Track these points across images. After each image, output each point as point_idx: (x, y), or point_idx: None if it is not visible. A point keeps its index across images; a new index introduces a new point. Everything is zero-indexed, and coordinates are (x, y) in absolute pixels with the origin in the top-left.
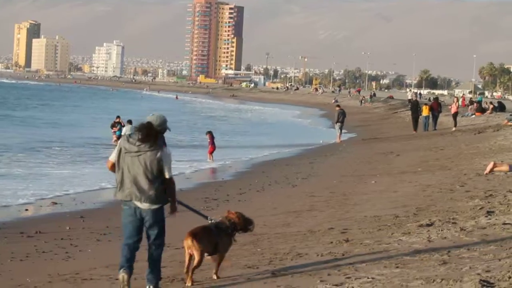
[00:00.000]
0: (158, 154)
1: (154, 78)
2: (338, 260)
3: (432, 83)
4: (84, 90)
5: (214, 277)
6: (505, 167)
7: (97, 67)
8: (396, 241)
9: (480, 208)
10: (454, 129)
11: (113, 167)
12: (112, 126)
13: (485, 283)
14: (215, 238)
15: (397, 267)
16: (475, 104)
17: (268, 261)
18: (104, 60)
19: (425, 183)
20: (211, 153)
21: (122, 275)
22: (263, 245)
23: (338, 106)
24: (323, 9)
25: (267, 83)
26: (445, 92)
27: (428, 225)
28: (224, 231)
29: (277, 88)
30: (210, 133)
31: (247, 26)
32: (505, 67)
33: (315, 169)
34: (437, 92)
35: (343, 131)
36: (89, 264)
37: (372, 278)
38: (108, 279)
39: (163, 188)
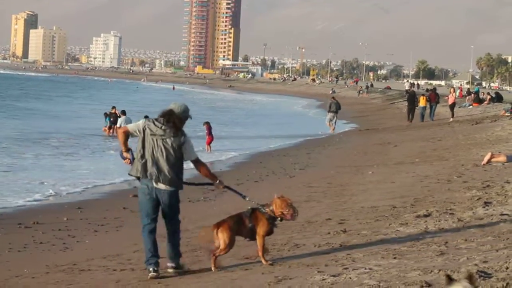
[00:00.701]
0: (182, 140)
1: (152, 69)
2: (335, 250)
3: (430, 74)
4: (84, 81)
5: (263, 261)
6: (502, 158)
7: (95, 58)
8: (394, 231)
9: (478, 199)
10: (451, 119)
11: (125, 134)
12: (107, 116)
13: (482, 274)
14: (248, 223)
15: (395, 257)
16: (472, 95)
17: (266, 252)
18: (102, 51)
19: (423, 173)
20: (209, 143)
21: (151, 274)
22: None
23: (333, 97)
24: (320, 0)
25: (264, 74)
26: (443, 82)
27: (425, 215)
28: (262, 215)
29: (275, 79)
30: (207, 123)
31: (244, 16)
32: (503, 57)
33: (313, 160)
34: (434, 82)
35: (337, 121)
36: (86, 255)
37: (370, 268)
38: (105, 270)
39: (180, 173)
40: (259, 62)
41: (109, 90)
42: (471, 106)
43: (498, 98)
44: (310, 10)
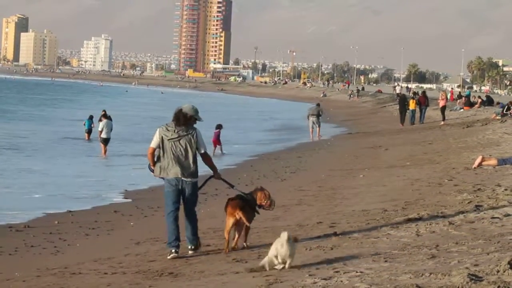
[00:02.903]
0: (194, 136)
1: (142, 72)
2: (326, 254)
3: (420, 77)
4: (77, 85)
5: (244, 245)
6: (493, 161)
7: (85, 61)
8: (385, 235)
9: (469, 202)
10: (442, 123)
11: (152, 153)
12: (100, 120)
13: (473, 277)
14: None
15: (386, 261)
16: (463, 98)
17: (257, 255)
18: (93, 54)
19: (414, 177)
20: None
21: (173, 255)
22: (252, 239)
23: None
24: (311, 3)
25: (255, 77)
26: (433, 86)
27: (416, 219)
28: (250, 203)
29: (266, 82)
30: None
31: (235, 20)
32: (493, 61)
33: (304, 163)
34: (425, 86)
35: (319, 126)
36: (77, 258)
37: (361, 272)
38: (96, 273)
39: (197, 164)
40: (250, 66)
41: (99, 93)
42: (462, 110)
43: (489, 101)
44: (301, 14)
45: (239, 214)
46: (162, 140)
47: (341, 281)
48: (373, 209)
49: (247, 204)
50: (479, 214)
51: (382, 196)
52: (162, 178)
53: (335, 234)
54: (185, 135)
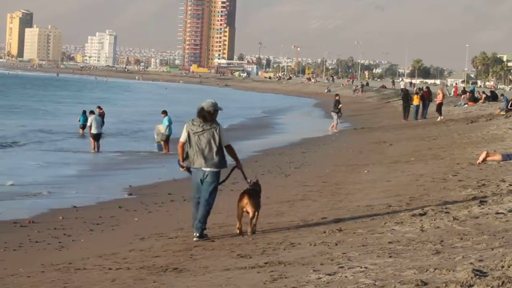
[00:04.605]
0: (217, 130)
1: (146, 67)
2: (331, 249)
3: (425, 73)
4: (83, 80)
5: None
6: (497, 157)
7: (90, 57)
8: (389, 230)
9: (473, 198)
10: (439, 119)
11: (182, 147)
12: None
13: (478, 272)
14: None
15: (390, 256)
16: (467, 94)
17: (262, 251)
18: (97, 50)
19: (418, 172)
20: None
21: (196, 238)
22: (256, 234)
23: (336, 95)
24: None
25: (259, 73)
26: (438, 81)
27: (421, 214)
28: (259, 192)
29: (270, 78)
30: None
31: (240, 15)
32: (498, 56)
33: (308, 159)
34: (429, 81)
35: (337, 119)
36: (82, 253)
37: (365, 267)
38: (101, 269)
39: (222, 156)
40: (254, 61)
41: (101, 89)
42: (466, 105)
43: (493, 97)
44: (305, 9)
45: (247, 200)
46: (189, 135)
47: (346, 276)
48: (378, 205)
49: (255, 194)
50: (484, 210)
51: (387, 191)
52: (189, 170)
53: (339, 229)
54: (209, 129)
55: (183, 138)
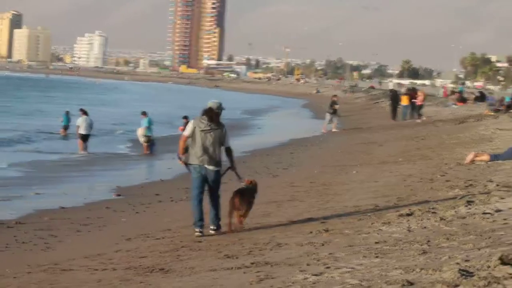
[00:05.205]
0: (223, 131)
1: (135, 68)
2: (317, 250)
3: (414, 73)
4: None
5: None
6: (485, 157)
7: (79, 58)
8: (376, 230)
9: (461, 198)
10: (419, 120)
11: (185, 141)
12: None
13: (464, 272)
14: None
15: (377, 256)
16: (456, 94)
17: (248, 251)
18: (86, 51)
19: (406, 173)
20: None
21: (197, 234)
22: (243, 235)
23: (334, 95)
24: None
25: (248, 74)
26: (427, 82)
27: (408, 214)
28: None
29: (260, 79)
30: (186, 118)
31: (230, 16)
32: (486, 57)
33: (296, 159)
34: (418, 82)
35: (331, 121)
36: (68, 254)
37: (352, 268)
38: (87, 270)
39: (221, 156)
40: (243, 62)
41: (87, 90)
42: (455, 106)
43: (482, 97)
44: (295, 10)
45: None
46: (194, 131)
47: (332, 276)
48: (365, 205)
49: (248, 193)
50: (471, 210)
51: (374, 192)
52: (186, 165)
53: (326, 230)
54: (216, 129)
55: (188, 132)
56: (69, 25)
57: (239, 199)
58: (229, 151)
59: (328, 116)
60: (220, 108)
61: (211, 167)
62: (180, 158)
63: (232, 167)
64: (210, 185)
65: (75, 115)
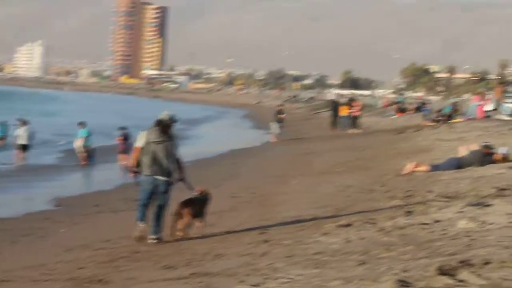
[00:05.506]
0: (175, 142)
1: (76, 78)
2: (256, 260)
3: (355, 84)
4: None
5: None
6: (425, 167)
7: (20, 68)
8: (315, 241)
9: (399, 208)
10: (354, 131)
11: (138, 152)
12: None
13: (402, 283)
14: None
15: (316, 267)
16: (396, 105)
17: (187, 262)
18: (27, 60)
19: (346, 183)
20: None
21: (141, 225)
22: (183, 245)
23: (280, 105)
24: (248, 10)
25: (190, 84)
26: (369, 92)
27: (347, 225)
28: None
29: (200, 89)
30: (123, 128)
31: (172, 26)
32: (427, 67)
33: (237, 170)
34: (359, 92)
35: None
36: (6, 265)
37: (291, 278)
38: (28, 280)
39: (174, 167)
40: (185, 72)
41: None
42: (395, 116)
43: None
44: (238, 21)
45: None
46: (146, 142)
47: (271, 287)
48: (305, 215)
49: (195, 203)
50: (410, 220)
51: (314, 202)
52: (136, 176)
53: (266, 240)
54: (167, 141)
55: (140, 144)
56: (10, 34)
57: (185, 209)
58: (178, 162)
59: (274, 125)
60: (172, 119)
61: (162, 178)
62: (132, 171)
63: (182, 178)
64: (160, 196)
65: (13, 125)
